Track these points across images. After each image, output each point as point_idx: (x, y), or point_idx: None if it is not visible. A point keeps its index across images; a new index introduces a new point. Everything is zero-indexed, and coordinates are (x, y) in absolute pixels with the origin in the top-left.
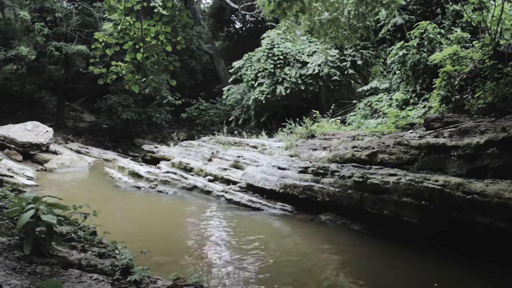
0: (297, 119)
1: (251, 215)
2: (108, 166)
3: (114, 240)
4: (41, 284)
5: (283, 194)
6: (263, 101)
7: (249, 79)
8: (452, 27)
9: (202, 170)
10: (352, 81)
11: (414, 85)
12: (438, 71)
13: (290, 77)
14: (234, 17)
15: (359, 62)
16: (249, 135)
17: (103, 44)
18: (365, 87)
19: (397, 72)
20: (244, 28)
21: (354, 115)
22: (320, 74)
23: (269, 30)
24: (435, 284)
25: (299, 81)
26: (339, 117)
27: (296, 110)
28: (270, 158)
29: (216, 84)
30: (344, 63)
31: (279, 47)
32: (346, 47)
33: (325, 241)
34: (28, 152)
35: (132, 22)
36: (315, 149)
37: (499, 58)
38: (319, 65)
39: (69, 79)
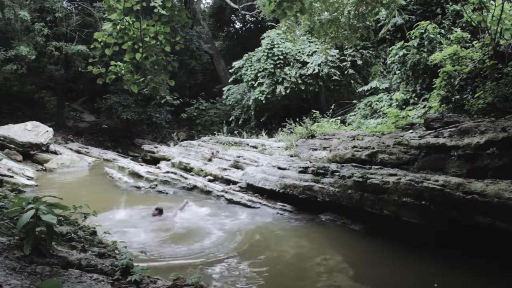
0: (297, 119)
1: (250, 215)
2: (108, 166)
3: (114, 240)
4: (41, 284)
5: (283, 194)
6: (263, 101)
7: (249, 79)
8: (452, 27)
9: (202, 170)
10: (352, 81)
11: (414, 85)
12: (438, 71)
13: (290, 77)
14: (234, 17)
15: (359, 62)
16: (249, 135)
17: (102, 44)
18: (365, 87)
19: (397, 72)
20: (244, 28)
21: (354, 115)
22: (320, 74)
23: (269, 30)
24: (435, 285)
25: (299, 81)
26: (339, 117)
27: (296, 110)
28: (270, 158)
29: (216, 84)
30: (344, 63)
31: (279, 47)
32: (346, 47)
33: (325, 241)
34: (28, 152)
35: (131, 22)
36: (315, 149)
37: (499, 58)
38: (319, 65)
39: (69, 79)
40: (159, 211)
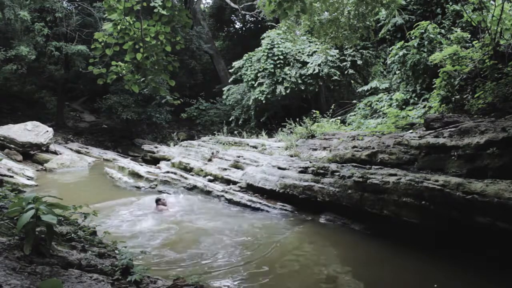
0: (297, 119)
1: (251, 215)
2: (108, 166)
3: (114, 240)
4: (41, 284)
5: (283, 194)
6: (263, 101)
7: (249, 79)
8: (452, 27)
9: (202, 170)
10: (352, 81)
11: (414, 85)
12: (438, 71)
13: (290, 77)
14: (234, 17)
15: (359, 62)
16: (249, 135)
17: (102, 44)
18: (365, 87)
19: (397, 72)
20: (244, 28)
21: (354, 115)
22: (320, 74)
23: (269, 30)
24: (435, 285)
25: (299, 81)
26: (339, 117)
27: (296, 110)
28: (270, 158)
29: (216, 84)
30: (344, 63)
31: (279, 47)
32: (346, 47)
33: (325, 241)
34: (28, 152)
35: (131, 22)
36: (315, 149)
37: (499, 58)
38: (319, 65)
39: (69, 79)
40: (162, 203)
